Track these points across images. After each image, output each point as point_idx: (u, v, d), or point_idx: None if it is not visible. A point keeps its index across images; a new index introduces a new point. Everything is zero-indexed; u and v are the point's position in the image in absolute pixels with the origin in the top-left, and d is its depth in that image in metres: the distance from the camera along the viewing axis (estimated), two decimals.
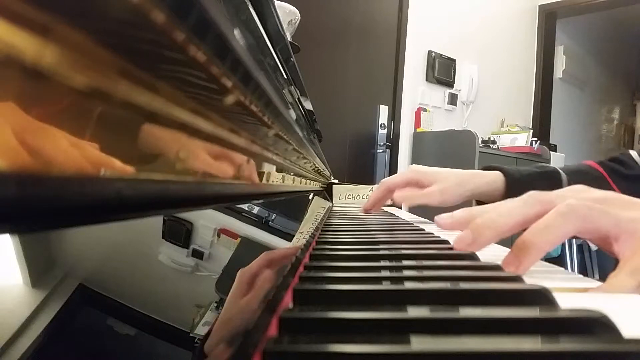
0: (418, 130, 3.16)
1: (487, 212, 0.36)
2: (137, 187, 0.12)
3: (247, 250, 0.28)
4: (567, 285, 0.29)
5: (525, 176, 0.69)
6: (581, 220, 0.30)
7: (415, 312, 0.19)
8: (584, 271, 3.23)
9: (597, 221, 0.30)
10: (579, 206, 0.30)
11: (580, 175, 0.70)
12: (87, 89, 0.09)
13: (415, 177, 0.71)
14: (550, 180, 0.69)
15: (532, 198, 0.34)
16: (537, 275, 0.31)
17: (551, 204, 0.32)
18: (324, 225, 0.56)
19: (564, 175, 0.68)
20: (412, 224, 0.64)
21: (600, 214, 0.30)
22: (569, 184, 0.63)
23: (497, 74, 3.72)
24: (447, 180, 0.68)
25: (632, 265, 0.29)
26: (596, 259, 3.35)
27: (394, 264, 0.30)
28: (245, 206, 0.30)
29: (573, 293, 0.26)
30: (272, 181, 0.36)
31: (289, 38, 0.63)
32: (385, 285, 0.24)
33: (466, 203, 0.68)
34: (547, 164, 0.72)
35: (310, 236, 0.41)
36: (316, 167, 0.79)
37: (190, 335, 0.18)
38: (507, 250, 0.40)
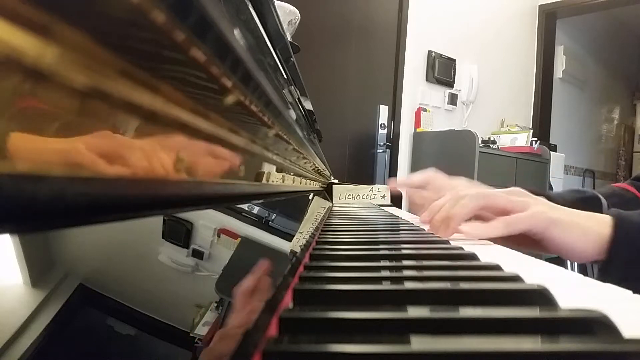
0: (418, 130, 3.16)
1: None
2: (137, 187, 0.12)
3: (247, 250, 0.28)
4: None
5: (569, 202, 0.69)
6: (484, 200, 0.50)
7: (415, 312, 0.19)
8: (583, 271, 3.23)
9: (495, 201, 0.50)
10: (482, 192, 0.52)
11: (615, 198, 0.71)
12: (87, 89, 0.09)
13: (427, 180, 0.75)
14: (592, 206, 0.69)
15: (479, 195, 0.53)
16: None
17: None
18: (324, 225, 0.56)
19: (603, 200, 0.69)
20: (412, 224, 0.64)
21: (499, 197, 0.50)
22: (608, 207, 0.68)
23: (497, 74, 3.72)
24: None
25: (510, 219, 0.48)
26: None
27: (394, 264, 0.30)
28: (245, 206, 0.30)
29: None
30: (272, 181, 0.36)
31: (289, 38, 0.63)
32: (385, 285, 0.24)
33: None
34: (586, 189, 0.73)
35: (310, 236, 0.41)
36: (316, 167, 0.79)
37: (190, 335, 0.18)
38: (505, 249, 0.40)
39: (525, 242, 0.50)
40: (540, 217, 0.47)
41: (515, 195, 0.52)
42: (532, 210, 0.48)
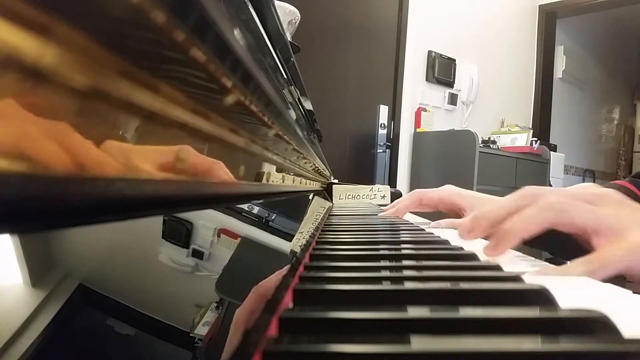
0: (418, 130, 3.16)
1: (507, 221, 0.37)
2: (137, 187, 0.12)
3: (247, 250, 0.28)
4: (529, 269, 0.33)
5: None
6: (555, 213, 0.35)
7: (415, 312, 0.19)
8: None
9: (572, 216, 0.34)
10: (556, 202, 0.35)
11: None
12: (87, 89, 0.09)
13: (452, 199, 0.70)
14: None
15: (525, 193, 0.38)
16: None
17: (540, 197, 0.37)
18: (324, 225, 0.56)
19: None
20: (412, 224, 0.64)
21: (577, 210, 0.35)
22: None
23: (497, 74, 3.72)
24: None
25: (591, 255, 0.33)
26: None
27: (394, 264, 0.30)
28: (245, 206, 0.30)
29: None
30: (272, 181, 0.36)
31: (289, 38, 0.63)
32: (385, 285, 0.24)
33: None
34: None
35: (310, 236, 0.41)
36: (316, 167, 0.79)
37: (190, 335, 0.18)
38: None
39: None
40: None
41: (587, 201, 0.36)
42: (630, 243, 0.32)
